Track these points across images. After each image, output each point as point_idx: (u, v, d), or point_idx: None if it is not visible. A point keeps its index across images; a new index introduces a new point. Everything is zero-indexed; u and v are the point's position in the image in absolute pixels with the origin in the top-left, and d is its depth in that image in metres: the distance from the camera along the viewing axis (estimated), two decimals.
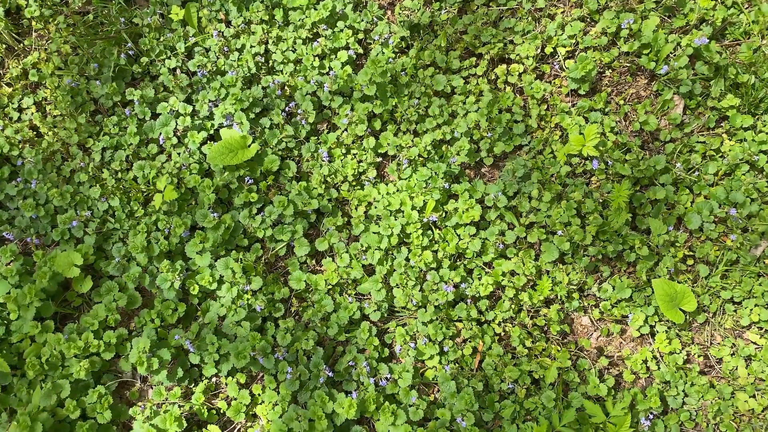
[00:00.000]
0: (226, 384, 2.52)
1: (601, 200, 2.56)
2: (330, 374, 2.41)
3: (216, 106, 2.79)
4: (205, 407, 2.47)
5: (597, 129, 2.52)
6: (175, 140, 2.76)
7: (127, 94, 2.79)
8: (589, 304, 2.59)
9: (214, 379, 2.58)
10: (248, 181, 2.65)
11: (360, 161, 2.72)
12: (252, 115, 2.75)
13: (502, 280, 2.52)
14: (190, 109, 2.77)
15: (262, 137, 2.75)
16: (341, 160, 2.72)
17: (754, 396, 2.39)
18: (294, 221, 2.65)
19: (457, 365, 2.47)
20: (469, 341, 2.51)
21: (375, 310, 2.56)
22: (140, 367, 2.39)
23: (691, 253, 2.56)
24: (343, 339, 2.53)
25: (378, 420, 2.38)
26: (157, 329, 2.52)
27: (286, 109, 2.79)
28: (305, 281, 2.57)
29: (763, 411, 2.38)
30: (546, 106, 2.73)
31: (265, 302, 2.52)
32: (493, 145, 2.68)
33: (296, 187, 2.64)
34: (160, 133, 2.77)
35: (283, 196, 2.61)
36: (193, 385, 2.54)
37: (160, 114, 2.79)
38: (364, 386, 2.42)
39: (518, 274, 2.53)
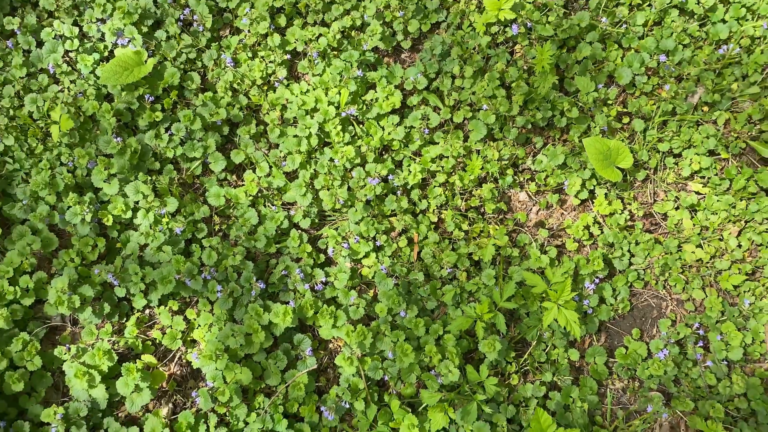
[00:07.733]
0: (159, 314, 2.40)
1: (525, 68, 2.39)
2: (262, 287, 2.29)
3: (104, 23, 2.55)
4: (139, 340, 2.36)
5: None
6: (66, 67, 2.53)
7: (6, 23, 2.54)
8: (524, 179, 2.47)
9: (147, 311, 2.46)
10: (149, 99, 2.44)
11: (268, 62, 2.52)
12: (145, 29, 2.53)
13: (431, 165, 2.38)
14: (77, 31, 2.53)
15: (159, 51, 2.53)
16: (247, 64, 2.51)
17: (700, 245, 2.31)
18: (205, 136, 2.47)
19: (395, 260, 2.36)
20: (405, 233, 2.39)
21: (304, 217, 2.42)
22: (61, 307, 2.26)
23: (624, 110, 2.43)
24: (274, 251, 2.40)
25: (320, 326, 2.28)
26: (77, 268, 2.37)
27: (181, 17, 2.56)
28: (224, 196, 2.42)
29: (711, 259, 2.30)
30: None
31: (185, 224, 2.37)
32: (406, 24, 2.48)
33: (201, 98, 2.45)
34: (49, 62, 2.53)
35: (188, 111, 2.42)
36: (125, 320, 2.41)
37: (45, 42, 2.55)
38: (300, 293, 2.31)
39: (447, 157, 2.39)
